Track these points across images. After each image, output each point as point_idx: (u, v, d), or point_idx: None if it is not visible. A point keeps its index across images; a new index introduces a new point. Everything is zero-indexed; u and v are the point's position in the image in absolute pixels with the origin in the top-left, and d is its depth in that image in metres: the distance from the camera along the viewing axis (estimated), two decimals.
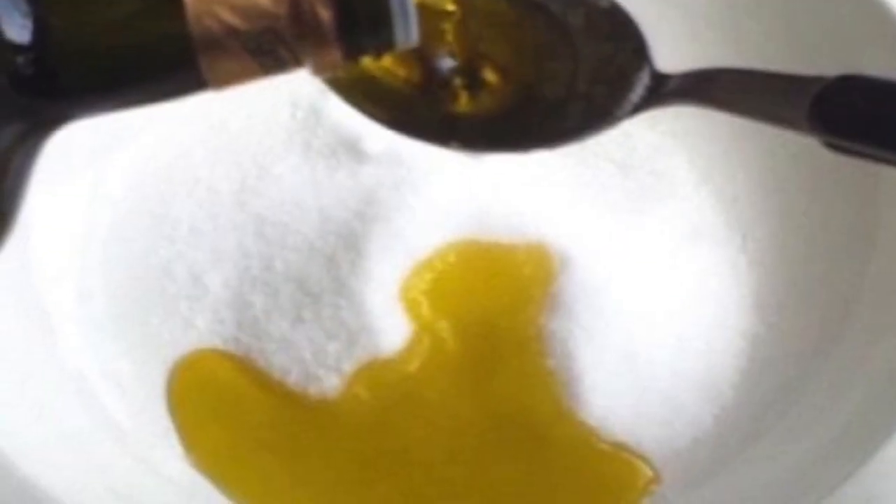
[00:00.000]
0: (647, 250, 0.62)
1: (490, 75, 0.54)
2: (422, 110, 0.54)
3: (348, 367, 0.60)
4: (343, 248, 0.61)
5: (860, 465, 0.53)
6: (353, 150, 0.63)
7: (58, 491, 0.54)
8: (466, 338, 0.61)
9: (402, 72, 0.54)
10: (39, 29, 0.36)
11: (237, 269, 0.62)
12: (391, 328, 0.60)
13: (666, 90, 0.53)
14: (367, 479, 0.59)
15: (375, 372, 0.60)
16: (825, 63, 0.49)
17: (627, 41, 0.53)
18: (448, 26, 0.54)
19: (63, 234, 0.62)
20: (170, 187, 0.64)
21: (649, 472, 0.58)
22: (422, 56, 0.54)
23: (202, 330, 0.61)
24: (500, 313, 0.61)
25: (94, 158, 0.63)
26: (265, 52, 0.37)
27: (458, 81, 0.55)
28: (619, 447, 0.59)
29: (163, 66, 0.37)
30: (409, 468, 0.59)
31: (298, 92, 0.65)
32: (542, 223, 0.62)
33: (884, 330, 0.58)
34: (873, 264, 0.60)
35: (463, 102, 0.54)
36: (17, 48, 0.36)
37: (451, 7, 0.52)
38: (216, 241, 0.63)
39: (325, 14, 0.36)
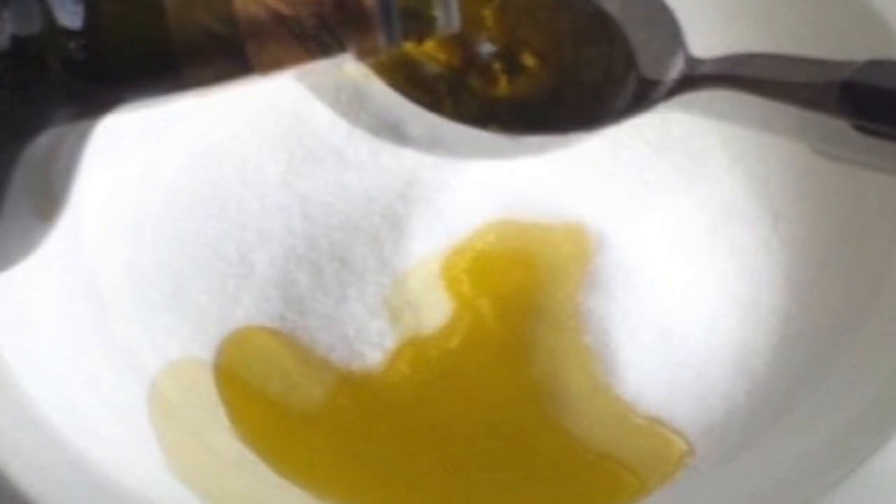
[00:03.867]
0: (681, 230, 0.62)
1: (529, 60, 0.55)
2: (462, 94, 0.55)
3: (391, 343, 0.60)
4: (386, 227, 0.61)
5: (889, 438, 0.54)
6: (395, 132, 0.63)
7: (109, 465, 0.55)
8: (506, 315, 0.61)
9: (443, 56, 0.55)
10: (91, 15, 0.37)
11: (283, 248, 0.63)
12: (433, 306, 0.61)
13: (699, 74, 0.53)
14: (409, 452, 0.60)
15: (417, 348, 0.60)
16: (855, 49, 0.50)
17: (662, 26, 0.54)
18: (488, 12, 0.55)
19: (115, 214, 0.63)
20: (218, 168, 0.64)
21: (684, 446, 0.59)
22: (462, 41, 0.55)
23: (249, 307, 0.62)
24: (538, 291, 0.61)
25: (146, 140, 0.64)
26: (310, 37, 0.38)
27: (497, 66, 0.55)
28: (654, 421, 0.60)
29: (210, 52, 0.38)
30: (449, 442, 0.60)
31: (342, 76, 0.65)
32: (579, 204, 0.62)
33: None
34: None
35: (502, 86, 0.55)
36: (70, 34, 0.37)
37: None
38: (263, 221, 0.63)
39: (369, 0, 0.37)
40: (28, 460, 0.54)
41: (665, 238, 0.62)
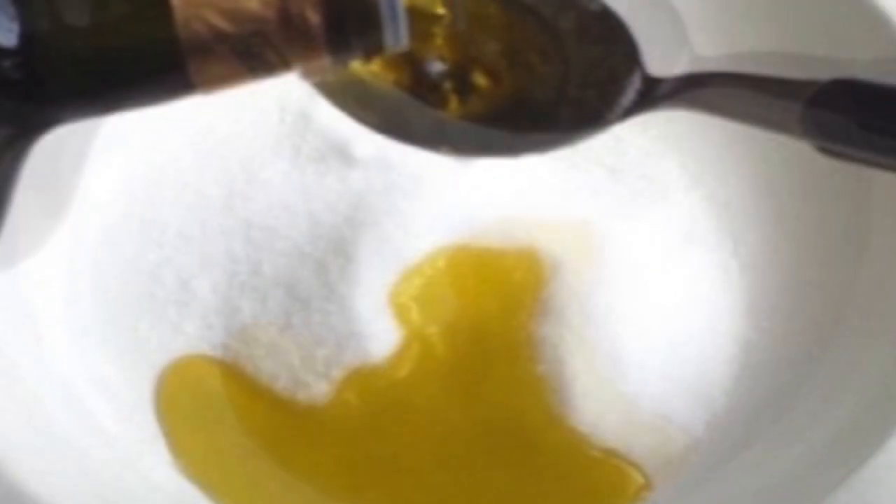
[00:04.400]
0: (637, 255, 0.62)
1: (480, 79, 0.55)
2: (411, 114, 0.55)
3: (337, 372, 0.59)
4: (332, 252, 0.61)
5: (852, 471, 0.53)
6: (342, 154, 0.63)
7: (46, 496, 0.54)
8: (456, 343, 0.60)
9: (391, 75, 0.54)
10: (26, 33, 0.36)
11: (226, 274, 0.62)
12: (380, 334, 0.60)
13: (657, 94, 0.53)
14: (356, 485, 0.59)
15: (364, 378, 0.60)
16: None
17: (618, 45, 0.54)
18: (438, 29, 0.54)
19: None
20: (158, 192, 0.64)
21: (640, 479, 0.58)
22: (411, 59, 0.54)
23: (190, 336, 0.61)
24: (490, 319, 0.61)
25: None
26: (253, 55, 0.37)
27: (448, 85, 0.55)
28: (610, 454, 0.59)
29: (151, 69, 0.37)
30: (398, 474, 0.59)
31: (287, 96, 0.65)
32: (532, 228, 0.62)
33: (876, 334, 0.58)
34: (865, 269, 0.60)
35: (453, 106, 0.55)
36: (4, 52, 0.36)
37: (441, 10, 0.52)
38: (204, 246, 0.63)
39: (314, 17, 0.36)
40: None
41: (621, 264, 0.61)
